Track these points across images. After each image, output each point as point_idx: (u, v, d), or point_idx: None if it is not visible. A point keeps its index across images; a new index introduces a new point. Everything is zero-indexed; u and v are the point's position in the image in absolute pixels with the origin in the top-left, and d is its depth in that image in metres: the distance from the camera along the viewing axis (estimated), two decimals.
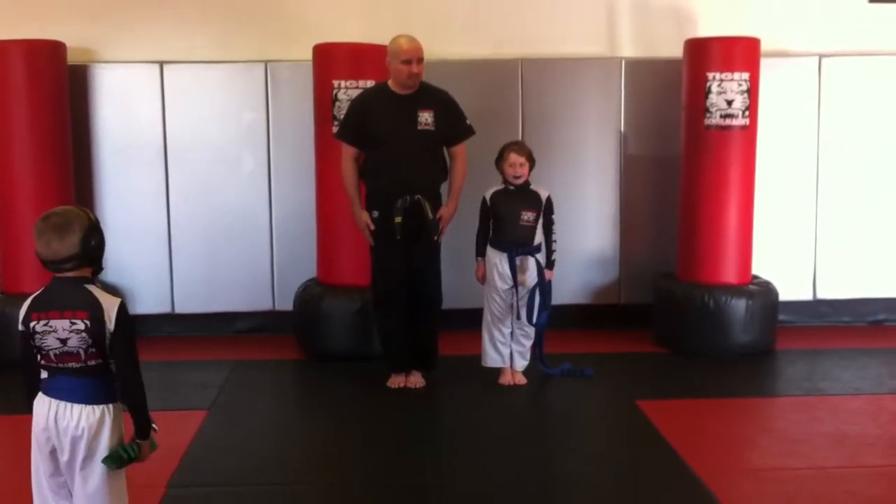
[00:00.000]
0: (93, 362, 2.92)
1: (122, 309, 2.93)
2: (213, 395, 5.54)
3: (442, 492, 4.26)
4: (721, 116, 6.30)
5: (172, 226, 6.82)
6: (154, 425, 3.08)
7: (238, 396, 5.61)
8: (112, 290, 6.64)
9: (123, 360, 2.95)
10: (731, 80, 6.26)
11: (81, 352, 2.90)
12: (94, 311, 2.89)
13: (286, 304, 6.70)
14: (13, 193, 6.27)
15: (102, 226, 3.05)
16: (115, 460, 2.96)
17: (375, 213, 5.44)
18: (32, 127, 6.22)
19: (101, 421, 2.95)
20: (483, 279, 5.63)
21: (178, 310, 6.91)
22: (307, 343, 6.39)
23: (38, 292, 3.00)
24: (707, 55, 6.33)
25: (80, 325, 2.88)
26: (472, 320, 5.87)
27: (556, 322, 6.01)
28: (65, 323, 2.89)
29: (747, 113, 6.30)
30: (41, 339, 2.92)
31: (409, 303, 5.54)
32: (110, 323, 2.89)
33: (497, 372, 5.71)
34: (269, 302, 6.92)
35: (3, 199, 6.32)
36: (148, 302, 6.84)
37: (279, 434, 5.09)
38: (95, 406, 2.95)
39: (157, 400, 5.34)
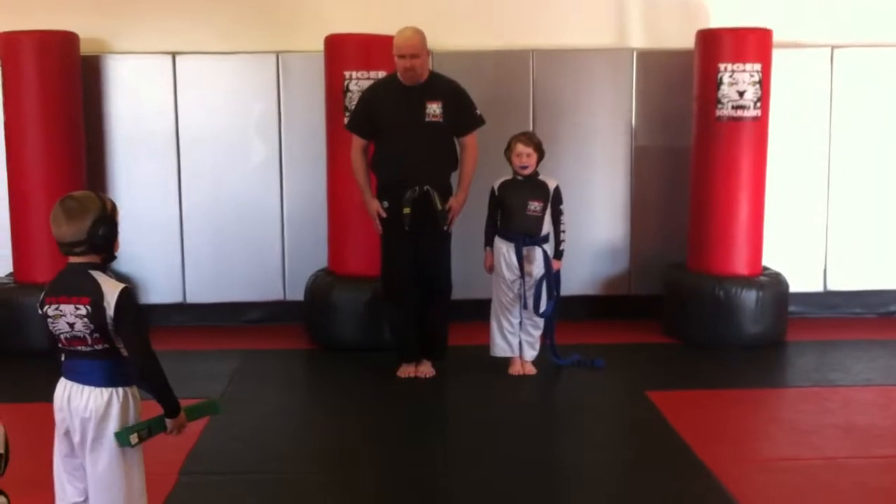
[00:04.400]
0: (99, 346, 2.95)
1: (123, 295, 2.93)
2: (223, 385, 5.57)
3: (451, 480, 4.28)
4: (732, 108, 6.29)
5: (184, 216, 6.84)
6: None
7: (249, 386, 5.64)
8: (123, 279, 6.67)
9: (130, 346, 2.96)
10: (743, 71, 6.25)
11: (87, 336, 2.94)
12: (95, 297, 2.91)
13: (297, 294, 6.72)
14: (26, 184, 6.30)
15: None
16: (121, 440, 2.96)
17: (385, 204, 5.46)
18: (45, 118, 6.25)
19: (108, 404, 2.97)
20: (491, 269, 5.64)
21: (190, 299, 6.94)
22: (317, 333, 6.42)
23: (54, 277, 3.05)
24: (719, 46, 6.32)
25: (83, 311, 2.92)
26: (481, 310, 5.88)
27: (566, 313, 6.03)
28: (71, 308, 2.93)
29: (759, 104, 6.29)
30: (53, 322, 2.97)
31: (419, 293, 5.56)
32: (109, 309, 2.91)
33: (507, 362, 5.72)
34: (280, 292, 6.94)
35: (16, 190, 6.36)
36: (159, 291, 6.88)
37: (289, 423, 5.12)
38: (104, 389, 2.97)
39: None
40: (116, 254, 3.06)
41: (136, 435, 2.97)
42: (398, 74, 5.41)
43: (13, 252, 6.45)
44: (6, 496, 2.11)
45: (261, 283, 6.92)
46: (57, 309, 2.96)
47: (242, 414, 5.14)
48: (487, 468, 4.39)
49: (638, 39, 7.03)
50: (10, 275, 6.52)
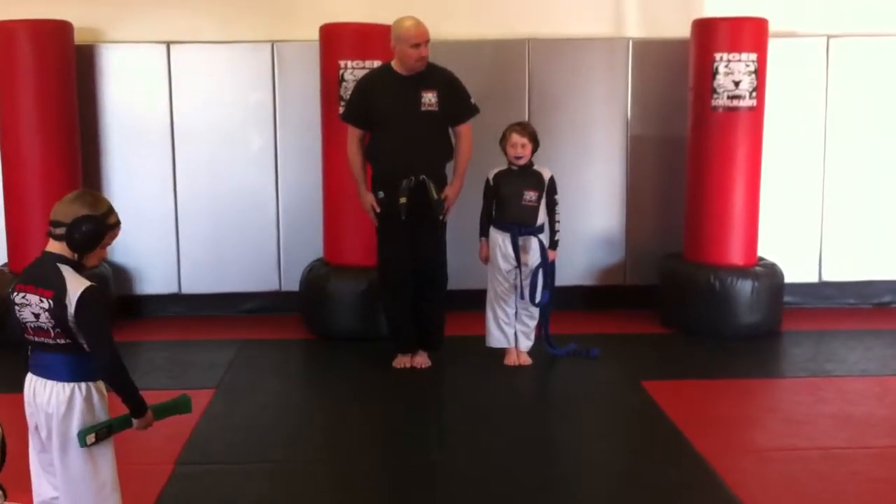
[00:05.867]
0: (62, 340, 2.92)
1: (86, 293, 2.88)
2: (220, 375, 5.57)
3: (447, 470, 4.29)
4: (728, 97, 6.28)
5: (179, 206, 6.82)
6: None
7: (245, 375, 5.64)
8: (119, 270, 6.68)
9: (91, 344, 2.92)
10: (739, 60, 6.24)
11: (50, 329, 2.91)
12: (58, 293, 2.88)
13: (293, 284, 6.71)
14: (21, 174, 6.29)
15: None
16: (80, 442, 2.93)
17: (381, 194, 5.45)
18: (39, 107, 6.23)
19: (70, 400, 2.94)
20: (486, 259, 5.64)
21: (185, 290, 6.93)
22: (313, 323, 6.42)
23: (28, 265, 3.03)
24: (714, 36, 6.31)
25: (46, 304, 2.89)
26: (476, 301, 5.88)
27: (561, 303, 6.02)
28: (36, 298, 2.91)
29: (754, 94, 6.29)
30: (19, 311, 2.96)
31: (415, 283, 5.56)
32: (70, 306, 2.87)
33: (502, 352, 5.72)
34: (276, 282, 6.93)
35: (10, 180, 6.34)
36: (155, 282, 6.87)
37: (285, 413, 5.12)
38: (66, 384, 2.95)
39: (165, 378, 5.42)
40: (87, 265, 2.98)
41: (93, 435, 2.93)
42: (396, 63, 5.39)
43: (7, 242, 6.44)
44: (3, 490, 2.10)
45: (256, 274, 6.91)
46: (24, 298, 2.93)
47: (239, 404, 5.15)
48: (483, 457, 4.39)
49: (634, 28, 7.02)
50: (5, 265, 6.51)
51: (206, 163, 6.80)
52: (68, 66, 6.38)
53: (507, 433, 4.72)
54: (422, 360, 5.67)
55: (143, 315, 6.92)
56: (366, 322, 6.19)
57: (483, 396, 5.29)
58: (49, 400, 2.94)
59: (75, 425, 2.94)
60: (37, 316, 2.91)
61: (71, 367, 2.95)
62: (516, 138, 5.47)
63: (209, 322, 6.84)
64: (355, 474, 4.29)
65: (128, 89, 6.74)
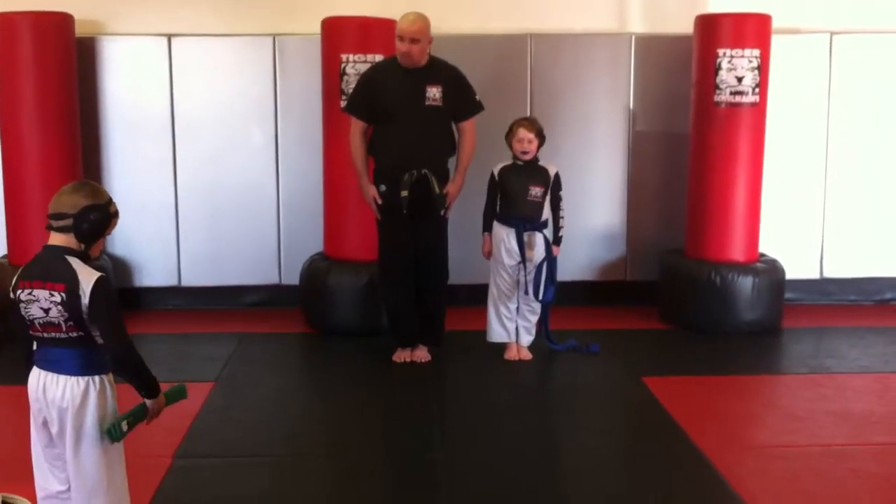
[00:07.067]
0: (74, 334, 2.91)
1: (99, 283, 2.87)
2: (219, 368, 5.56)
3: (447, 465, 4.28)
4: (731, 93, 6.27)
5: (180, 199, 6.81)
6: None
7: (244, 369, 5.63)
8: (119, 263, 6.68)
9: (106, 335, 2.91)
10: (742, 56, 6.23)
11: (62, 323, 2.89)
12: (71, 285, 2.86)
13: (293, 278, 6.70)
14: (21, 166, 6.28)
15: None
16: (113, 435, 2.94)
17: (383, 188, 5.44)
18: (40, 99, 6.22)
19: (85, 393, 2.93)
20: (489, 255, 5.63)
21: (185, 283, 6.92)
22: (313, 317, 6.41)
23: (30, 261, 3.00)
24: (718, 31, 6.30)
25: (57, 298, 2.87)
26: (478, 296, 5.87)
27: (562, 298, 6.01)
28: (45, 293, 2.89)
29: (757, 90, 6.27)
30: (26, 308, 2.93)
31: (416, 277, 5.55)
32: (85, 297, 2.86)
33: (502, 347, 5.71)
34: (276, 276, 6.92)
35: (11, 172, 6.34)
36: (155, 275, 6.86)
37: (285, 406, 5.11)
38: (80, 378, 2.94)
39: (165, 371, 5.35)
40: (91, 255, 2.98)
41: (125, 423, 2.96)
42: (398, 57, 5.38)
43: (7, 234, 6.43)
44: None
45: (256, 267, 6.90)
46: (30, 294, 2.90)
47: (238, 397, 5.14)
48: (482, 453, 4.39)
49: (637, 24, 7.00)
50: (4, 257, 6.51)
51: (206, 156, 6.79)
52: (69, 59, 6.37)
53: (506, 428, 4.71)
54: (422, 354, 5.66)
55: (142, 308, 6.91)
56: (366, 316, 6.18)
57: (483, 391, 5.29)
58: (63, 395, 2.93)
59: (89, 419, 2.94)
60: (46, 311, 2.89)
61: (84, 361, 2.95)
62: (523, 133, 5.45)
63: (209, 315, 6.83)
64: (355, 468, 4.28)
65: (129, 82, 6.72)
